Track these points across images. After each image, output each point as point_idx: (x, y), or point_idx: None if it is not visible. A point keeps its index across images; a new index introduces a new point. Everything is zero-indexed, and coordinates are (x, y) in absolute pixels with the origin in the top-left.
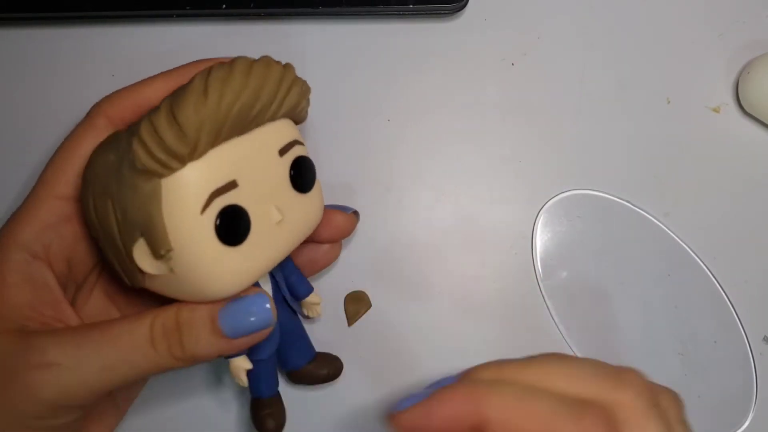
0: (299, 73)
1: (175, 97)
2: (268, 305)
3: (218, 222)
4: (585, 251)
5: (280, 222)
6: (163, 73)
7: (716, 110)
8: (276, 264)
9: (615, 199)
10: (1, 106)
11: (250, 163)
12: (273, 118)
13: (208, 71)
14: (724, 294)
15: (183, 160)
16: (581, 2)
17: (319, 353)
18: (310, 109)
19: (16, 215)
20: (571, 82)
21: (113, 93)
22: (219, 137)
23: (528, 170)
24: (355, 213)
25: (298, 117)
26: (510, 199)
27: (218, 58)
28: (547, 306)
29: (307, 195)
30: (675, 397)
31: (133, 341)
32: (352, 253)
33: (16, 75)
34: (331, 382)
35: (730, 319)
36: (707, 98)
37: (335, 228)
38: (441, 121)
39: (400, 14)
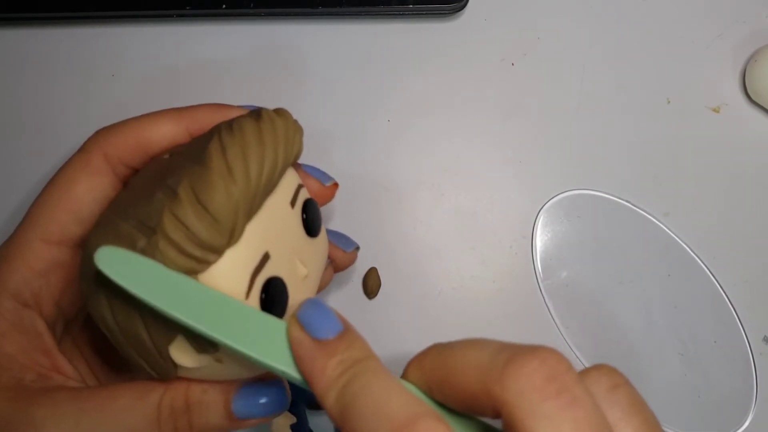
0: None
1: (197, 181)
2: (283, 391)
3: (263, 298)
4: (585, 251)
5: (305, 277)
6: (170, 112)
7: (716, 110)
8: None
9: (615, 199)
10: (0, 106)
11: (272, 227)
12: (283, 173)
13: (222, 147)
14: (724, 294)
15: (221, 251)
16: (581, 2)
17: None
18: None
19: (2, 257)
20: (571, 82)
21: (112, 127)
22: (251, 214)
23: (528, 170)
24: (357, 248)
25: (297, 157)
26: (510, 199)
27: (230, 105)
28: (547, 306)
29: (318, 237)
30: (608, 375)
31: (137, 421)
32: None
33: (16, 75)
34: None
35: (730, 319)
36: (707, 98)
37: (335, 264)
38: (441, 122)
39: (400, 14)
